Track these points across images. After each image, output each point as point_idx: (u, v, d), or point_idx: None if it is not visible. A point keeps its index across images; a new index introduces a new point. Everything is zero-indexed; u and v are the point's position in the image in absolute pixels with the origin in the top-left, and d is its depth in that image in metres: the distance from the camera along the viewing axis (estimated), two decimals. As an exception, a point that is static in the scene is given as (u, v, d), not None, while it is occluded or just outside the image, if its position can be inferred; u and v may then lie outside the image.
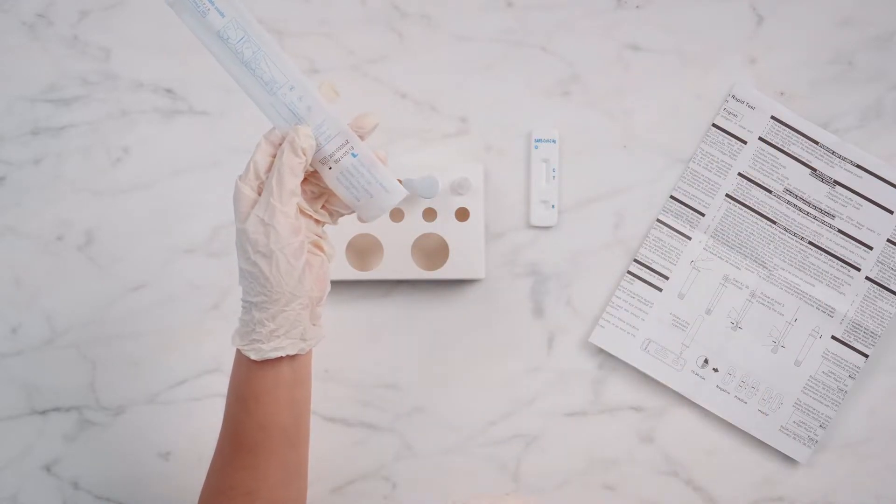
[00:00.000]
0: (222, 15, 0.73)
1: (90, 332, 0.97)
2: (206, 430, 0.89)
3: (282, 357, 0.74)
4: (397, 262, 0.94)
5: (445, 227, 0.94)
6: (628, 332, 0.96)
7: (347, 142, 0.75)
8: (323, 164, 0.75)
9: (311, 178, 0.76)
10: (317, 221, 0.76)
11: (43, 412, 0.97)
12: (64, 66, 0.97)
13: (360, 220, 0.77)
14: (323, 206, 0.77)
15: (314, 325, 0.76)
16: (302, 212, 0.74)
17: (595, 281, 0.97)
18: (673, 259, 0.97)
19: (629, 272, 0.97)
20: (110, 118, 0.97)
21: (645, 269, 0.97)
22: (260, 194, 0.73)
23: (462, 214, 0.95)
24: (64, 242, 0.97)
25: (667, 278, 0.96)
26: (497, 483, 0.97)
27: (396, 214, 0.95)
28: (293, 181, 0.72)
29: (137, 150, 0.97)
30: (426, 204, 0.94)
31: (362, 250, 0.95)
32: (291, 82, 0.74)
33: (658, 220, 0.97)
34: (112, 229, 0.97)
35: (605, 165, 0.97)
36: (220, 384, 0.90)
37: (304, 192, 0.75)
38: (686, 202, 0.97)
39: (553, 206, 0.97)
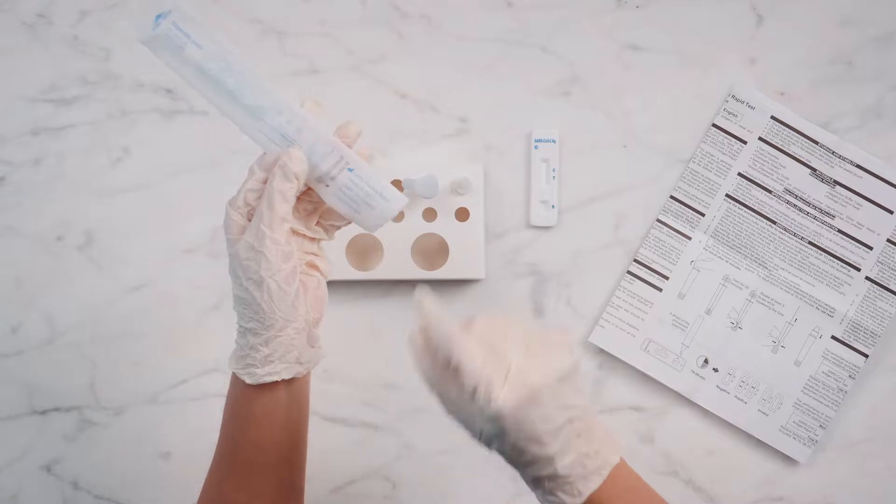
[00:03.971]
0: (200, 47, 0.71)
1: (90, 332, 0.97)
2: (206, 430, 0.89)
3: (277, 381, 0.73)
4: (397, 262, 0.94)
5: (445, 227, 0.94)
6: (628, 332, 0.96)
7: (342, 157, 0.72)
8: (319, 182, 0.73)
9: (304, 196, 0.74)
10: (311, 239, 0.75)
11: (43, 412, 0.97)
12: (64, 66, 0.97)
13: (363, 229, 0.76)
14: (317, 223, 0.76)
15: (312, 347, 0.75)
16: (295, 232, 0.73)
17: (595, 281, 0.97)
18: (673, 259, 0.97)
19: (629, 272, 0.97)
20: (110, 118, 0.97)
21: (645, 269, 0.97)
22: (250, 219, 0.71)
23: (462, 214, 0.95)
24: (64, 242, 0.97)
25: (667, 278, 0.96)
26: (497, 483, 0.97)
27: (397, 215, 0.94)
28: (284, 207, 0.70)
29: (137, 150, 0.97)
30: (426, 204, 0.94)
31: (362, 250, 0.95)
32: (278, 106, 0.72)
33: (658, 220, 0.97)
34: (112, 229, 0.97)
35: (605, 165, 0.97)
36: (220, 384, 0.90)
37: (297, 210, 0.74)
38: (686, 202, 0.97)
39: (553, 206, 0.97)
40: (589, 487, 0.66)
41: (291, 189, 0.70)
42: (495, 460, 0.97)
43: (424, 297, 0.66)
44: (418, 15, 0.97)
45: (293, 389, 0.74)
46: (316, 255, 0.75)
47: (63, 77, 0.97)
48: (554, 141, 0.97)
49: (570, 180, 0.97)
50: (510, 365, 0.64)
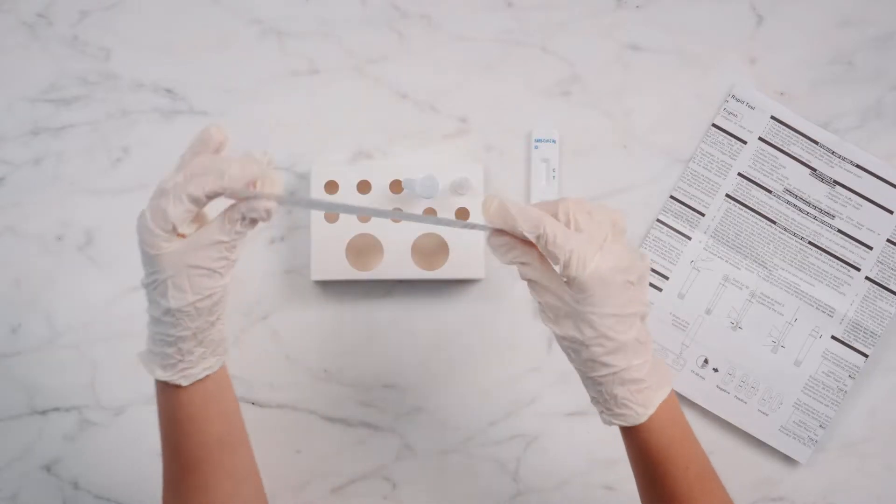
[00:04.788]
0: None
1: (90, 332, 0.97)
2: (206, 430, 0.89)
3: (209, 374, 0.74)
4: (397, 262, 0.94)
5: (445, 227, 0.94)
6: (628, 332, 0.96)
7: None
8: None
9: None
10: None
11: (43, 412, 0.97)
12: (64, 66, 0.97)
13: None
14: (229, 215, 0.70)
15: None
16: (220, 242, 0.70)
17: (595, 281, 0.97)
18: (673, 259, 0.97)
19: (629, 272, 0.97)
20: (110, 118, 0.97)
21: (645, 269, 0.97)
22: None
23: (462, 214, 0.95)
24: (64, 242, 0.97)
25: (667, 278, 0.96)
26: (497, 483, 0.97)
27: (396, 214, 0.95)
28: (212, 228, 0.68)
29: (137, 150, 0.97)
30: (426, 204, 0.94)
31: (362, 250, 0.95)
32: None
33: (658, 220, 0.97)
34: (112, 229, 0.97)
35: (605, 165, 0.97)
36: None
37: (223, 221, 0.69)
38: (686, 202, 0.97)
39: (553, 206, 0.97)
40: (656, 400, 0.71)
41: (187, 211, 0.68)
42: (495, 460, 0.98)
43: (496, 197, 0.69)
44: (418, 15, 0.97)
45: (218, 378, 0.76)
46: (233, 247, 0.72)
47: (63, 77, 0.97)
48: (554, 141, 0.97)
49: (570, 180, 0.97)
50: (602, 241, 0.68)
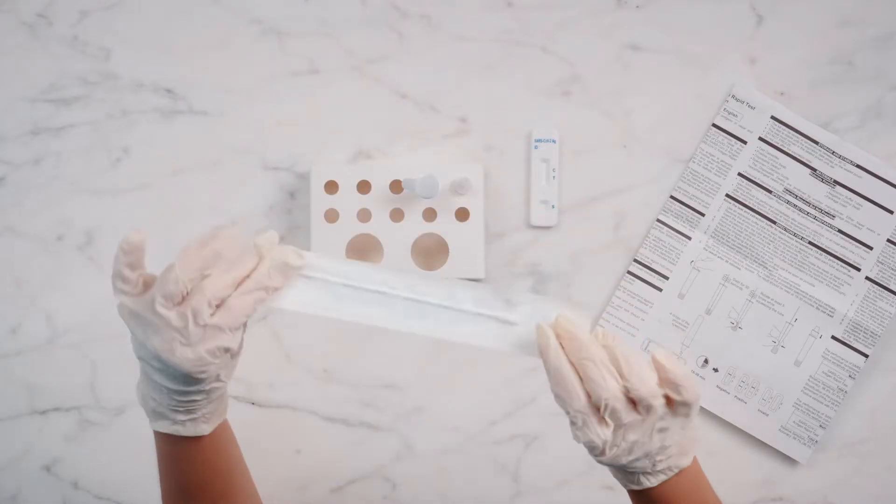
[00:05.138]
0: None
1: (90, 332, 0.96)
2: (206, 430, 0.89)
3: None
4: (397, 262, 0.94)
5: (445, 227, 0.94)
6: (628, 332, 0.96)
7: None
8: None
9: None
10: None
11: (43, 412, 0.97)
12: (64, 66, 0.97)
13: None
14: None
15: None
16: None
17: (595, 281, 0.97)
18: (673, 259, 0.96)
19: (629, 272, 0.97)
20: (110, 118, 0.97)
21: (645, 269, 0.97)
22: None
23: (462, 214, 0.95)
24: (64, 242, 0.97)
25: (667, 278, 0.96)
26: (497, 483, 0.97)
27: (396, 214, 0.95)
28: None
29: (137, 150, 0.97)
30: (426, 204, 0.94)
31: (362, 250, 0.95)
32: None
33: (658, 220, 0.97)
34: (112, 229, 0.97)
35: (605, 165, 0.97)
36: (220, 384, 0.90)
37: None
38: (686, 202, 0.97)
39: (553, 206, 0.97)
40: (651, 483, 0.67)
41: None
42: (495, 460, 0.98)
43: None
44: (418, 15, 0.97)
45: (223, 422, 0.75)
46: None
47: (63, 77, 0.97)
48: (554, 141, 0.96)
49: (570, 180, 0.97)
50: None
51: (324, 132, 0.97)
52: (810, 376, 0.96)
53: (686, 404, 0.65)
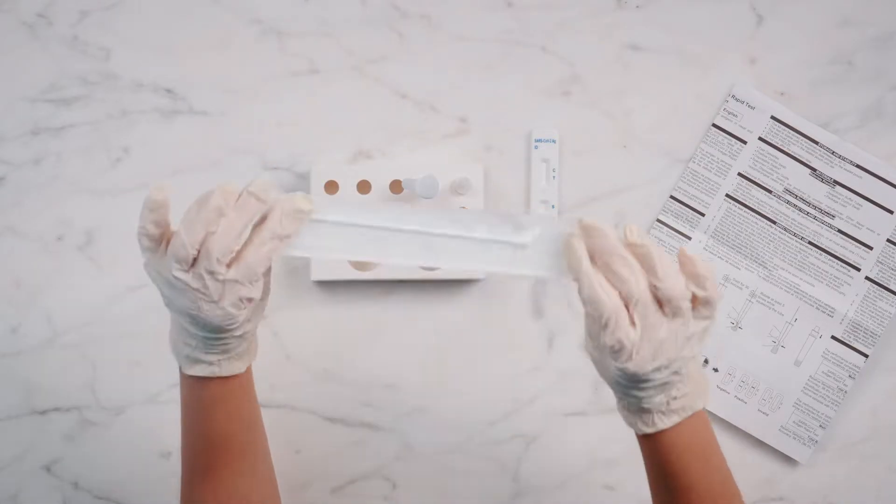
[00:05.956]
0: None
1: (90, 332, 0.97)
2: (206, 430, 0.89)
3: None
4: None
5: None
6: (628, 332, 0.96)
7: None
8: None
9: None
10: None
11: (43, 412, 0.97)
12: (64, 66, 0.97)
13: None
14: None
15: None
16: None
17: (595, 281, 0.97)
18: (673, 259, 0.96)
19: (629, 272, 0.97)
20: (110, 118, 0.97)
21: (645, 269, 0.96)
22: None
23: (462, 214, 0.95)
24: (64, 242, 0.97)
25: (667, 278, 0.96)
26: (497, 483, 0.97)
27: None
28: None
29: (137, 150, 0.97)
30: (426, 204, 0.94)
31: (362, 250, 0.95)
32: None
33: (658, 220, 0.97)
34: (112, 229, 0.97)
35: (605, 165, 0.97)
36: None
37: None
38: (686, 202, 0.97)
39: (553, 206, 0.97)
40: (665, 423, 0.68)
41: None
42: (495, 460, 0.98)
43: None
44: (418, 15, 0.97)
45: (249, 375, 0.76)
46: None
47: (63, 77, 0.97)
48: (554, 141, 0.97)
49: (570, 180, 0.97)
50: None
51: (324, 132, 0.97)
52: (810, 376, 0.96)
53: (709, 303, 0.64)
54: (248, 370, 0.76)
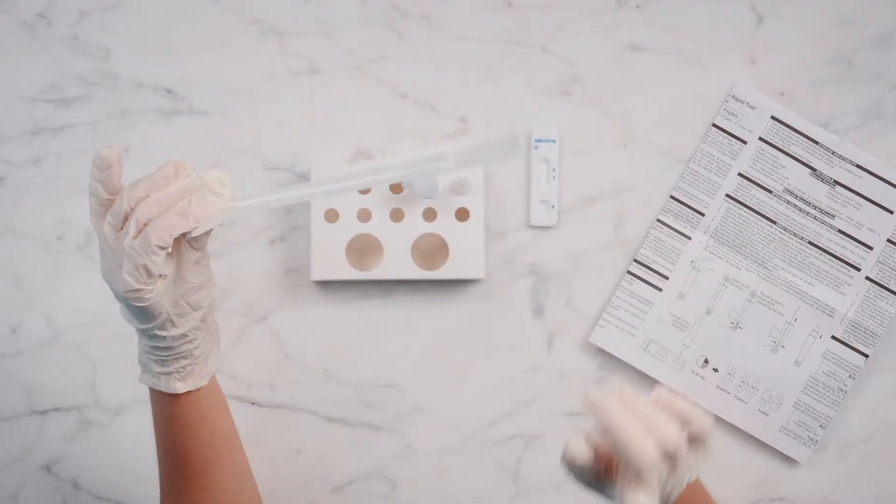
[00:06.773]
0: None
1: (90, 332, 0.96)
2: (206, 430, 0.89)
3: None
4: (397, 262, 0.94)
5: (445, 227, 0.94)
6: (628, 332, 0.96)
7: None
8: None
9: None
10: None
11: (43, 412, 0.97)
12: (64, 66, 0.97)
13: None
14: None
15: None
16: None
17: (595, 281, 0.97)
18: (673, 259, 0.96)
19: (629, 272, 0.97)
20: (110, 118, 0.97)
21: (645, 269, 0.97)
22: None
23: (462, 214, 0.95)
24: (64, 242, 0.97)
25: (667, 278, 0.96)
26: (497, 483, 0.97)
27: (396, 214, 0.95)
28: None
29: (137, 150, 0.97)
30: (426, 204, 0.94)
31: (362, 250, 0.95)
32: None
33: (658, 220, 0.97)
34: (112, 229, 0.97)
35: (605, 165, 0.97)
36: (221, 383, 0.90)
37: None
38: (686, 202, 0.97)
39: (553, 206, 0.97)
40: None
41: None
42: (495, 460, 0.98)
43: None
44: (418, 15, 0.97)
45: (210, 391, 0.76)
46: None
47: (63, 77, 0.97)
48: (554, 141, 0.97)
49: (570, 180, 0.97)
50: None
51: (324, 132, 0.97)
52: (810, 376, 0.96)
53: (701, 438, 0.67)
54: (207, 392, 0.75)
